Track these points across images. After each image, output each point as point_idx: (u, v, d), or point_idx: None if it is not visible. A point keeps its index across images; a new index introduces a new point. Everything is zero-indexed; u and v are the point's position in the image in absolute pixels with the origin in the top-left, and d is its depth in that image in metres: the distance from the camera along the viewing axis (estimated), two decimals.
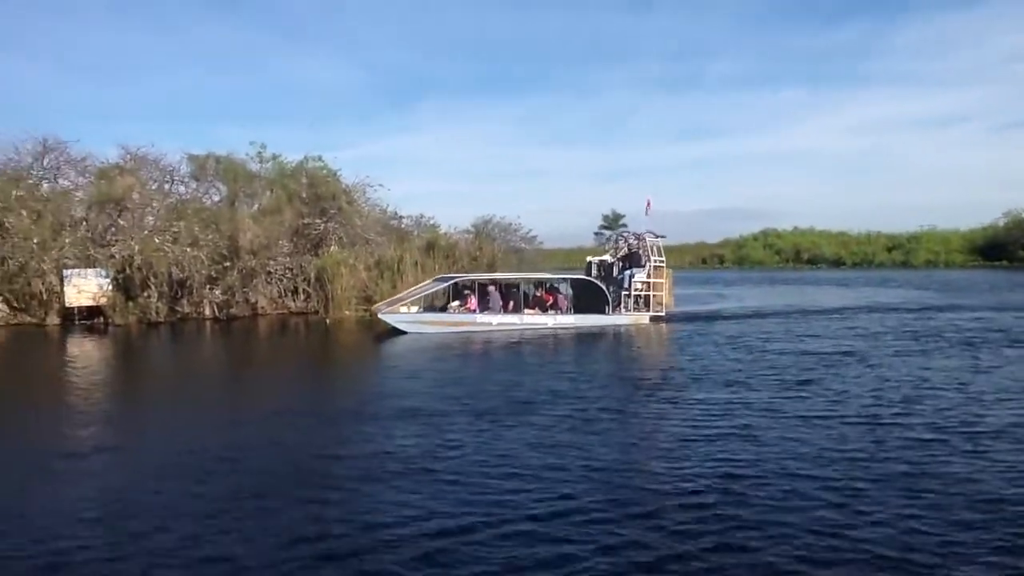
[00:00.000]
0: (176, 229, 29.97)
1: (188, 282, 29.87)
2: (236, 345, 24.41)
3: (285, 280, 32.72)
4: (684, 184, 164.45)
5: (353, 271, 31.36)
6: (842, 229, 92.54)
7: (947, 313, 27.48)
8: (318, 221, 33.80)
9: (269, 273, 32.27)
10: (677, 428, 11.00)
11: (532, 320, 24.98)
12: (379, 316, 24.37)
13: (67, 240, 29.01)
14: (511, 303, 25.46)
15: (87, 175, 33.07)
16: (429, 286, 26.69)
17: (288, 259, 32.74)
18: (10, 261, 27.88)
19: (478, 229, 39.69)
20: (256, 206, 34.52)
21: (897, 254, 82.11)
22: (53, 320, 28.54)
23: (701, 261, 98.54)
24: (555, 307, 25.93)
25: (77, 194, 32.57)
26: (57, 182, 33.05)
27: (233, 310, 30.97)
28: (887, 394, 13.15)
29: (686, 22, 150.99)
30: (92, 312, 28.65)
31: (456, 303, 25.67)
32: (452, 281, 26.29)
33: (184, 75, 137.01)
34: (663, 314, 26.49)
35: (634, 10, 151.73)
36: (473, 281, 25.98)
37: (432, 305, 26.71)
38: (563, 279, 28.02)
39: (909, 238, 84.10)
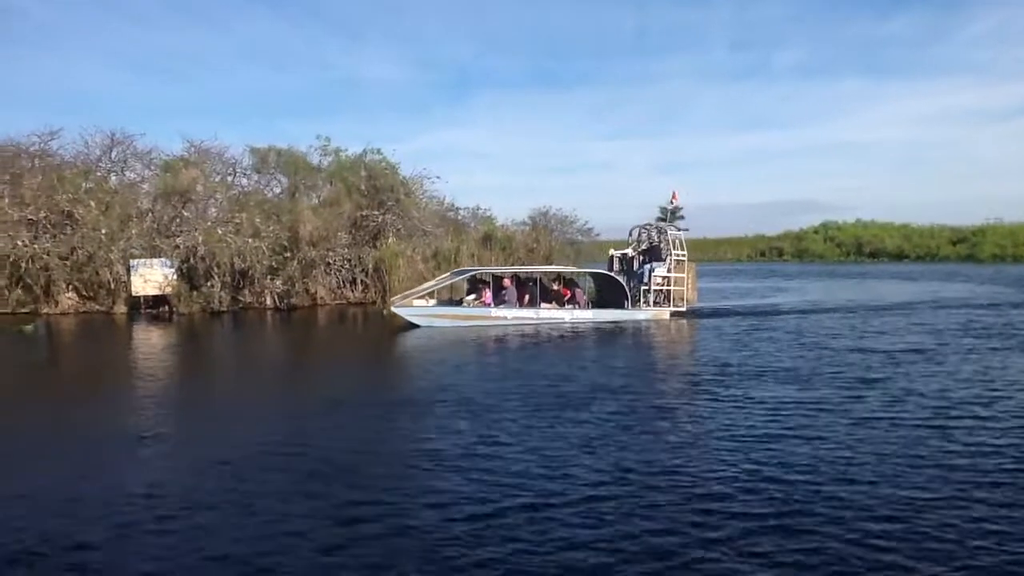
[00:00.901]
0: (238, 220, 30.55)
1: (250, 272, 30.42)
2: (296, 334, 24.79)
3: (344, 271, 33.14)
4: (743, 176, 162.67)
5: (410, 263, 31.66)
6: (905, 222, 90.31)
7: (1020, 309, 26.60)
8: (376, 213, 34.16)
9: (328, 264, 32.71)
10: (722, 427, 10.54)
11: (548, 315, 24.46)
12: (392, 309, 24.10)
13: (134, 231, 29.79)
14: (527, 297, 24.94)
15: (153, 168, 33.97)
16: (446, 279, 26.42)
17: (347, 250, 33.14)
18: (80, 251, 28.71)
19: (535, 221, 39.73)
20: (316, 198, 34.99)
21: (962, 248, 79.67)
22: (120, 309, 29.31)
23: (760, 254, 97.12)
24: (573, 301, 25.38)
25: (143, 186, 33.49)
26: (124, 175, 34.00)
27: (293, 300, 31.46)
28: (957, 394, 12.45)
29: (746, 11, 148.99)
30: (157, 301, 29.36)
31: (471, 296, 25.32)
32: (468, 274, 26.10)
33: (246, 72, 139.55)
34: (684, 309, 25.76)
35: (691, 1, 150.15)
36: (488, 274, 25.76)
37: (450, 298, 26.41)
38: (581, 273, 27.47)
39: (975, 231, 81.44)
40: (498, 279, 25.18)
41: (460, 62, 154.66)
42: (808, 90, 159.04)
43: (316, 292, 32.24)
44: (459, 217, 41.98)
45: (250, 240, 29.91)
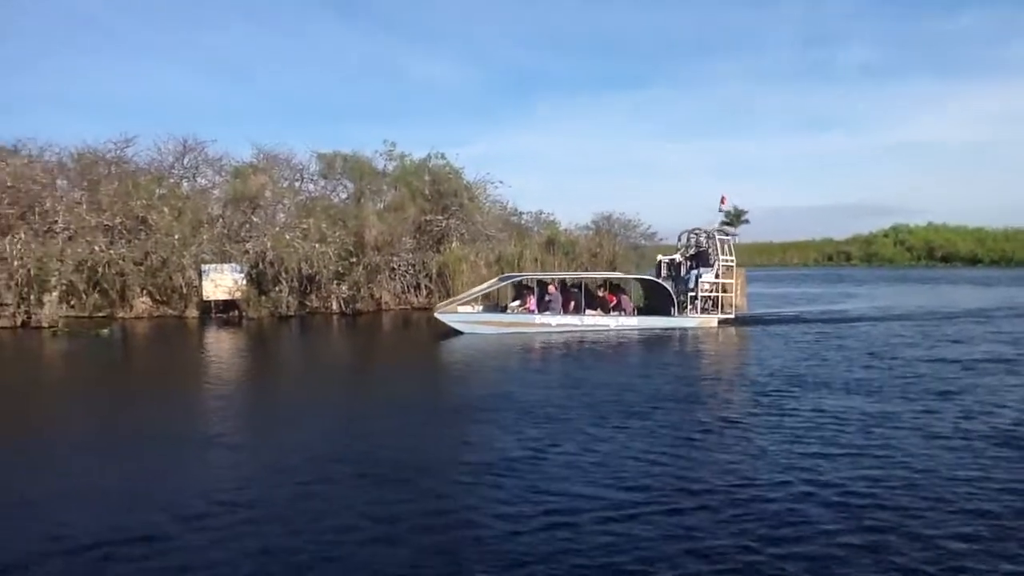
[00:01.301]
0: (305, 226, 31.03)
1: (316, 277, 30.85)
2: (360, 339, 25.07)
3: (408, 276, 33.40)
4: (809, 178, 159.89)
5: (474, 267, 31.76)
6: (978, 225, 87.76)
7: None
8: (440, 218, 34.38)
9: (393, 269, 33.01)
10: (790, 441, 10.24)
11: (593, 321, 24.06)
12: (435, 315, 24.02)
13: (205, 236, 30.47)
14: (572, 304, 24.56)
15: (223, 174, 34.78)
16: (492, 285, 26.19)
17: (411, 255, 33.42)
18: (153, 256, 29.45)
19: (598, 225, 39.49)
20: (381, 203, 35.35)
21: None
22: (192, 313, 29.97)
23: (827, 258, 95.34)
24: (618, 308, 24.89)
25: (214, 192, 34.30)
26: (196, 181, 34.92)
27: (358, 305, 31.81)
28: None
29: (810, 9, 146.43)
30: (227, 305, 29.95)
31: (516, 303, 25.01)
32: (513, 279, 25.80)
33: (313, 77, 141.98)
34: (733, 316, 25.12)
35: (754, 1, 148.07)
36: (534, 280, 25.51)
37: (497, 304, 26.13)
38: (628, 279, 27.04)
39: None
40: (543, 285, 24.96)
41: (521, 65, 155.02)
42: (876, 89, 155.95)
43: (381, 297, 32.57)
44: (522, 221, 41.96)
45: (317, 245, 30.35)
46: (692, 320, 24.60)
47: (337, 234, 31.35)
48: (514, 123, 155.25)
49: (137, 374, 18.87)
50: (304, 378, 17.62)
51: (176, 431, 11.43)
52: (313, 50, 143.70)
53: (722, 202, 27.13)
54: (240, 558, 6.64)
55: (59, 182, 31.01)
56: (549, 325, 23.67)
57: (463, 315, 23.85)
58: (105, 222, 29.40)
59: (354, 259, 31.55)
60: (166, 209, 30.17)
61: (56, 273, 27.31)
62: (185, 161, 34.84)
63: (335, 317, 30.57)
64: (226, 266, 29.68)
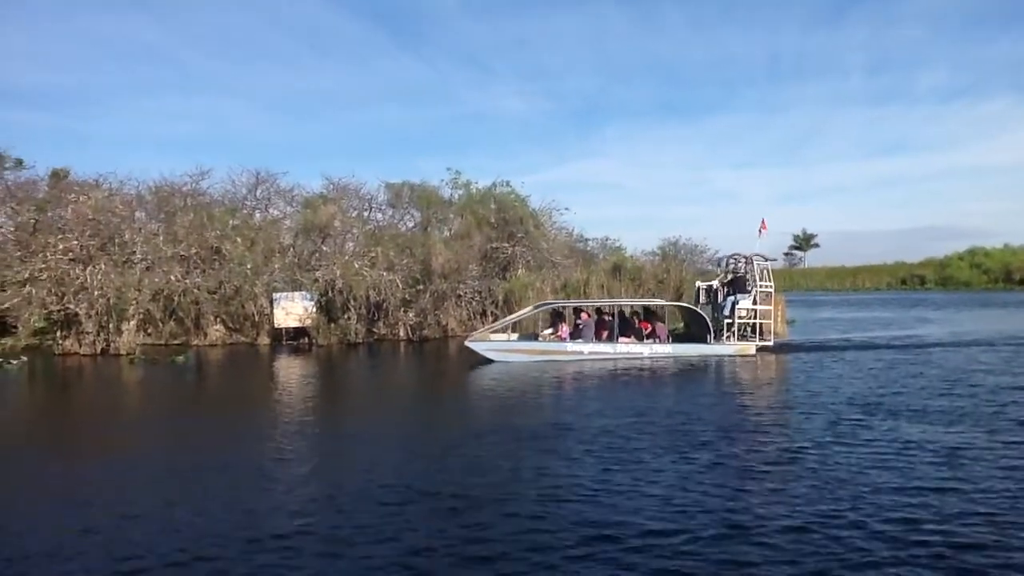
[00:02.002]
0: (374, 254, 31.50)
1: (384, 304, 31.21)
2: (428, 365, 25.18)
3: (474, 303, 33.55)
4: (880, 202, 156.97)
5: (540, 294, 31.77)
6: None
7: None
8: (506, 245, 34.53)
9: (459, 296, 33.20)
10: (858, 474, 9.76)
11: (627, 349, 23.43)
12: (466, 344, 23.67)
13: (276, 265, 31.13)
14: (606, 331, 23.98)
15: (294, 204, 35.64)
16: (527, 312, 25.81)
17: (477, 282, 33.59)
18: (227, 285, 30.16)
19: (664, 251, 39.25)
20: (447, 231, 35.70)
21: None
22: (264, 340, 30.55)
23: (900, 282, 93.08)
24: (653, 336, 24.14)
25: (285, 222, 35.09)
26: (268, 211, 35.77)
27: (425, 332, 32.05)
28: None
29: (883, 34, 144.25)
30: (298, 333, 30.46)
31: (549, 331, 24.63)
32: (545, 307, 25.48)
33: (382, 110, 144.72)
34: (771, 344, 24.23)
35: (821, 26, 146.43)
36: (568, 307, 25.20)
37: (534, 332, 25.54)
38: (662, 306, 26.27)
39: None
40: (577, 312, 24.60)
41: (586, 94, 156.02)
42: (951, 112, 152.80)
43: (447, 324, 32.76)
44: (588, 248, 42.01)
45: (384, 273, 30.76)
46: (729, 348, 23.87)
47: (404, 262, 31.76)
48: (581, 151, 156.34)
49: (212, 400, 19.27)
50: (371, 404, 17.74)
51: (250, 455, 11.60)
52: (382, 82, 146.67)
53: (762, 226, 26.36)
54: None
55: (137, 214, 32.03)
56: (581, 353, 23.17)
57: (494, 343, 23.57)
58: (181, 252, 30.23)
59: (421, 286, 31.86)
60: (239, 239, 30.93)
61: (134, 302, 28.16)
62: (257, 192, 35.79)
63: (402, 344, 30.83)
64: (296, 294, 30.21)
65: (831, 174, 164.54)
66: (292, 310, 30.05)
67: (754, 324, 24.30)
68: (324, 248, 32.57)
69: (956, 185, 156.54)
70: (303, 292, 30.28)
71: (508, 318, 26.17)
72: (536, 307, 26.07)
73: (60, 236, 28.71)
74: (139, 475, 10.52)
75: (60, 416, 16.95)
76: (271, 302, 30.13)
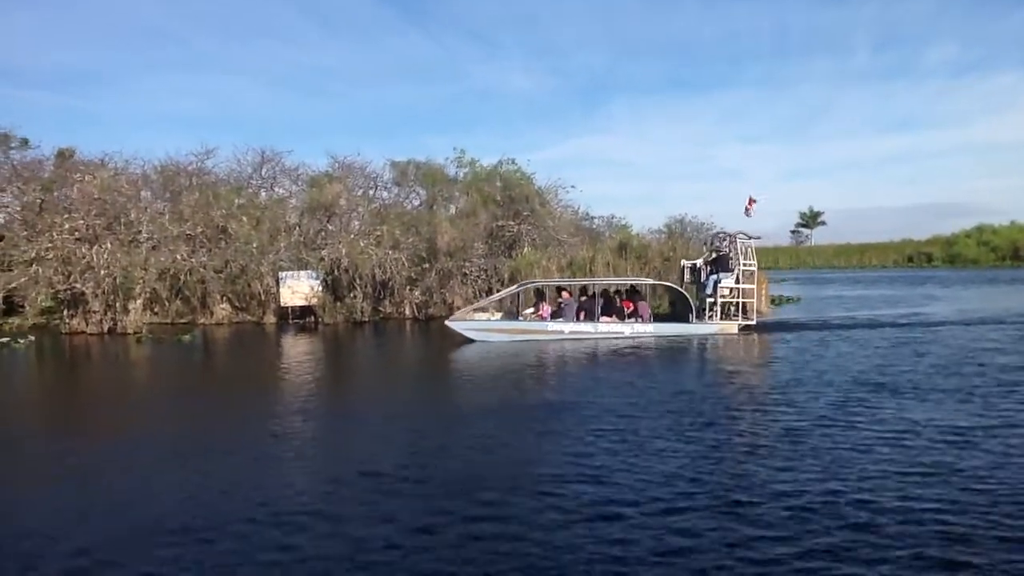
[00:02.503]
0: (379, 233, 31.50)
1: (390, 283, 31.26)
2: (434, 344, 25.19)
3: (480, 281, 33.52)
4: (888, 179, 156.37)
5: (546, 272, 31.70)
6: None
7: None
8: (512, 223, 34.44)
9: (465, 275, 33.17)
10: (858, 452, 9.70)
11: (608, 328, 23.16)
12: (446, 324, 23.58)
13: (282, 244, 31.16)
14: (583, 312, 23.63)
15: (300, 183, 35.59)
16: (510, 291, 25.40)
17: (483, 260, 33.52)
18: (233, 264, 30.22)
19: (671, 229, 39.07)
20: (453, 209, 35.64)
21: None
22: (270, 319, 30.63)
23: (907, 260, 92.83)
24: (635, 315, 23.85)
25: (291, 201, 35.07)
26: (274, 190, 35.75)
27: (431, 310, 32.09)
28: None
29: (890, 9, 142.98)
30: (304, 312, 30.52)
31: (529, 310, 24.47)
32: (528, 285, 25.37)
33: (388, 87, 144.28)
34: (754, 323, 23.97)
35: (832, 1, 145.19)
36: (552, 287, 25.03)
37: (518, 311, 25.04)
38: (644, 284, 25.93)
39: None
40: (557, 291, 24.39)
41: (594, 70, 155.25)
42: (959, 88, 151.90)
43: (453, 302, 32.75)
44: (594, 226, 41.89)
45: (390, 252, 30.78)
46: (711, 327, 23.70)
47: (410, 240, 31.76)
48: (587, 128, 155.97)
49: (218, 379, 19.35)
50: (377, 383, 17.78)
51: (256, 433, 11.67)
52: (388, 60, 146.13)
53: (749, 204, 26.01)
54: (300, 559, 6.74)
55: (143, 193, 32.01)
56: (562, 332, 23.00)
57: (474, 323, 23.37)
58: (187, 232, 30.26)
59: (427, 265, 31.88)
60: (245, 218, 30.95)
61: (140, 281, 28.21)
62: (263, 171, 35.75)
63: (408, 322, 30.88)
64: (302, 273, 30.23)
65: (838, 151, 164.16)
66: (298, 289, 30.09)
67: (738, 303, 24.05)
68: (330, 227, 32.57)
69: (964, 162, 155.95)
70: (309, 271, 30.30)
71: (490, 298, 25.98)
72: (519, 286, 25.84)
73: (66, 216, 28.74)
74: (144, 453, 10.56)
75: (67, 395, 17.07)
76: (277, 281, 30.17)
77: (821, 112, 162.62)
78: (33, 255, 27.82)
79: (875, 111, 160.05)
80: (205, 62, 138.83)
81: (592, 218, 42.38)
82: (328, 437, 11.62)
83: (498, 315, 24.06)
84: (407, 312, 31.97)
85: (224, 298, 30.84)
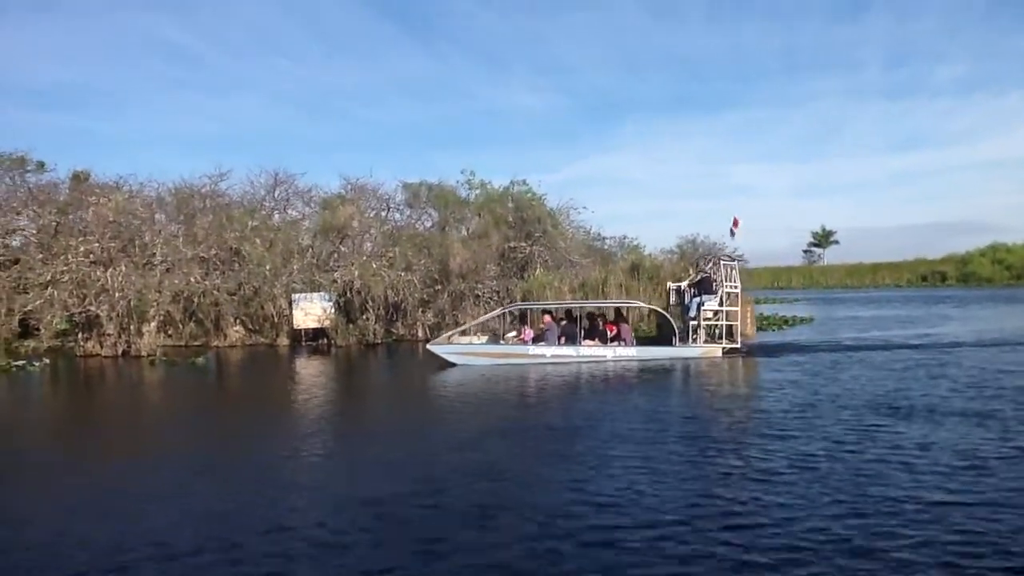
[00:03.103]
0: (392, 254, 31.64)
1: (402, 305, 31.34)
2: (444, 366, 25.19)
3: (492, 302, 33.54)
4: (901, 197, 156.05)
5: (558, 294, 31.71)
6: None
7: None
8: (524, 244, 34.52)
9: (477, 296, 33.23)
10: (850, 478, 9.55)
11: (590, 352, 22.80)
12: (428, 347, 23.44)
13: (295, 266, 31.29)
14: (563, 336, 23.28)
15: (312, 205, 35.81)
16: (494, 315, 25.38)
17: (495, 282, 33.60)
18: (246, 287, 30.35)
19: (682, 249, 39.07)
20: (465, 231, 35.75)
21: None
22: (283, 341, 30.71)
23: (921, 279, 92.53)
24: (618, 339, 23.51)
25: (304, 223, 35.27)
26: (286, 212, 36.00)
27: (443, 332, 32.07)
28: None
29: (900, 26, 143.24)
30: (317, 334, 30.59)
31: (512, 334, 24.25)
32: (512, 309, 25.20)
33: (398, 107, 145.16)
34: (739, 346, 23.40)
35: (842, 18, 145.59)
36: (538, 310, 24.71)
37: (499, 334, 24.79)
38: (627, 307, 25.67)
39: None
40: (540, 314, 24.11)
41: (603, 89, 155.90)
42: (971, 106, 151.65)
43: (465, 323, 32.77)
44: (605, 247, 41.95)
45: (403, 273, 30.86)
46: (695, 350, 23.14)
47: (422, 262, 31.88)
48: (598, 147, 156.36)
49: (232, 400, 19.42)
50: (389, 404, 17.77)
51: (268, 454, 11.68)
52: (397, 79, 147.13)
53: (734, 225, 25.58)
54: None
55: (157, 216, 32.19)
56: (543, 356, 22.69)
57: (455, 347, 23.13)
58: (200, 254, 30.41)
59: (439, 286, 31.96)
60: (258, 240, 31.09)
61: (154, 304, 28.33)
62: (276, 193, 35.97)
63: (420, 344, 30.81)
64: (315, 295, 30.33)
65: (849, 169, 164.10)
66: (311, 311, 30.17)
67: (724, 326, 23.61)
68: (342, 248, 32.71)
69: (976, 179, 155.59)
70: (322, 293, 30.39)
71: (474, 321, 25.85)
72: (502, 309, 25.72)
73: (81, 238, 28.93)
74: (159, 475, 10.60)
75: (82, 417, 17.14)
76: (290, 303, 30.27)
77: (832, 130, 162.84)
78: (48, 278, 27.99)
79: (886, 129, 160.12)
80: (217, 81, 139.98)
81: (604, 239, 42.47)
82: (339, 458, 11.59)
83: (483, 338, 23.88)
84: (419, 334, 31.99)
85: (237, 320, 30.96)
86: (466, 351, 22.96)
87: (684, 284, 25.43)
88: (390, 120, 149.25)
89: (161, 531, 8.12)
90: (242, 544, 7.63)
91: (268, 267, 30.35)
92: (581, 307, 24.68)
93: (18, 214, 31.38)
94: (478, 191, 37.10)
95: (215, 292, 29.75)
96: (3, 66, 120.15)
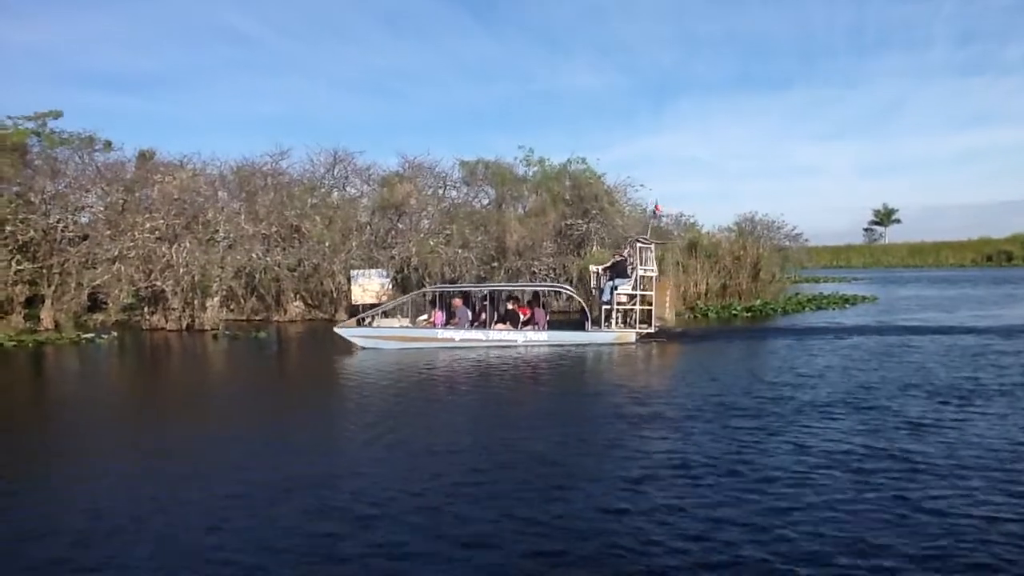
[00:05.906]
0: (448, 231, 31.79)
1: (459, 281, 31.48)
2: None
3: (549, 279, 33.55)
4: (966, 176, 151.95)
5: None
6: None
7: None
8: (580, 222, 34.37)
9: (534, 273, 33.25)
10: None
11: (499, 336, 22.15)
12: (335, 330, 22.79)
13: (354, 243, 31.64)
14: (482, 317, 22.84)
15: (371, 183, 36.09)
16: (407, 298, 24.79)
17: (552, 259, 33.57)
18: (306, 263, 30.80)
19: (741, 227, 38.51)
20: (522, 208, 35.74)
21: None
22: (341, 316, 31.02)
23: (986, 259, 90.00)
24: (532, 322, 22.89)
25: (362, 200, 35.61)
26: (345, 190, 36.32)
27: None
28: None
29: (970, 4, 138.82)
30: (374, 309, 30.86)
31: (423, 317, 23.73)
32: (424, 292, 24.77)
33: (457, 88, 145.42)
34: (654, 331, 22.59)
35: None
36: (450, 293, 23.95)
37: (416, 319, 24.13)
38: (539, 290, 24.91)
39: None
40: (451, 297, 23.42)
41: (663, 68, 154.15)
42: None
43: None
44: (662, 224, 41.52)
45: (459, 251, 31.02)
46: (607, 335, 22.43)
47: (479, 239, 31.98)
48: (656, 126, 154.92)
49: (293, 373, 19.82)
50: (443, 378, 17.84)
51: (331, 425, 11.93)
52: (457, 61, 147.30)
53: (656, 210, 24.93)
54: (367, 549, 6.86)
55: (220, 194, 32.72)
56: (453, 340, 22.17)
57: (362, 330, 22.54)
58: (262, 231, 30.89)
59: (495, 263, 32.03)
60: (318, 218, 31.49)
61: (217, 279, 28.90)
62: (335, 172, 36.29)
63: None
64: (373, 271, 30.51)
65: (914, 147, 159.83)
66: (369, 287, 30.36)
67: (639, 310, 22.77)
68: (400, 226, 32.98)
69: None
70: (379, 269, 30.59)
71: (390, 303, 25.27)
72: (415, 293, 25.29)
73: (147, 215, 29.54)
74: (219, 446, 10.89)
75: (149, 389, 17.57)
76: (348, 279, 30.56)
77: (897, 108, 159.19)
78: (116, 253, 28.65)
79: (952, 107, 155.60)
80: (279, 64, 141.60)
81: (661, 217, 42.02)
82: (392, 431, 11.70)
83: (404, 321, 23.38)
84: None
85: (297, 296, 31.45)
86: (373, 335, 22.37)
87: (600, 268, 24.78)
88: (447, 101, 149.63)
89: (213, 508, 8.34)
90: (292, 520, 7.78)
91: (327, 244, 30.73)
92: (497, 290, 24.09)
93: (87, 192, 32.10)
94: (536, 169, 37.05)
95: (276, 268, 30.23)
96: (72, 51, 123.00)
